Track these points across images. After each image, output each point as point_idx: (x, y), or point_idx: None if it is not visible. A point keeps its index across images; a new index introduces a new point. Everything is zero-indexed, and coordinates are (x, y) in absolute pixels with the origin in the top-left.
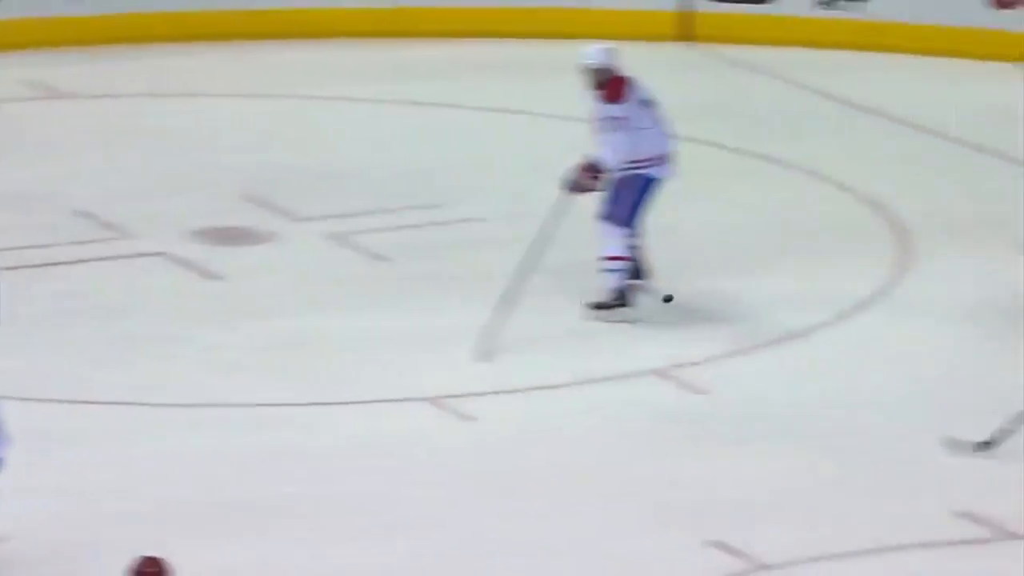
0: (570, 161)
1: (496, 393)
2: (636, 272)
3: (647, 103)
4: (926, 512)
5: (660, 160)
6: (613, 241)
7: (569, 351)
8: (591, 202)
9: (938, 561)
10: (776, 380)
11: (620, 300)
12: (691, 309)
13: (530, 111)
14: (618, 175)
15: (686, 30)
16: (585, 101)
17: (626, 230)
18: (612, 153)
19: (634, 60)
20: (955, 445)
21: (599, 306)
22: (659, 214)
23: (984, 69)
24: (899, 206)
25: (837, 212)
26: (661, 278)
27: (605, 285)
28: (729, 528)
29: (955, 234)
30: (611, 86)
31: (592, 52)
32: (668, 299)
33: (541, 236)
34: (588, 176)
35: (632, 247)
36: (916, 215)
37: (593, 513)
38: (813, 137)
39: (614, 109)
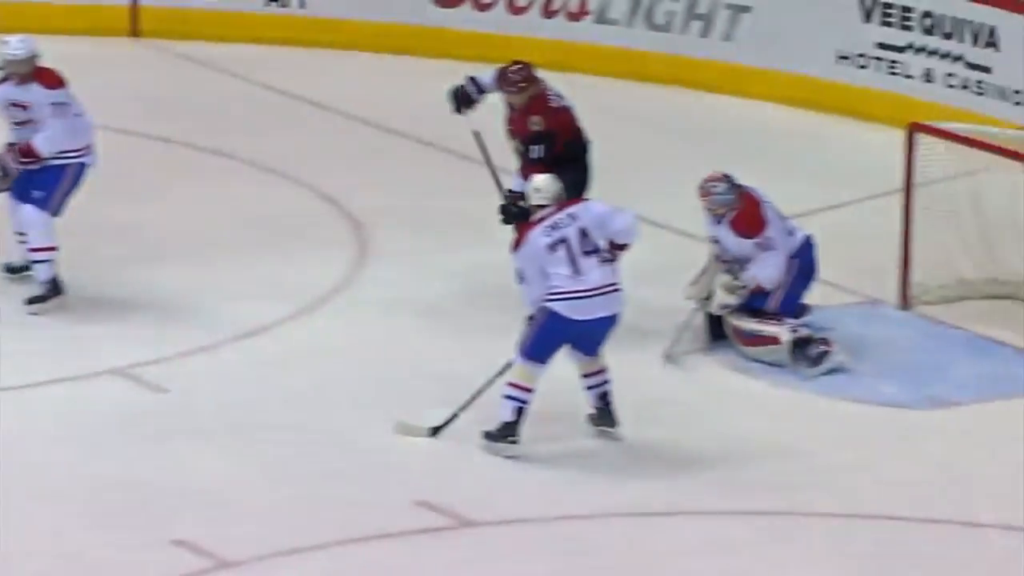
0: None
1: None
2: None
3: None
4: (387, 502)
5: (90, 149)
6: (41, 231)
7: (26, 351)
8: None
9: (400, 551)
10: (238, 376)
11: (54, 290)
12: (151, 306)
13: None
14: (50, 163)
15: (135, 25)
16: (19, 94)
17: (53, 219)
18: (49, 140)
19: (84, 55)
20: (409, 431)
21: (33, 300)
22: (114, 210)
23: (430, 66)
24: (354, 201)
25: (295, 208)
26: (117, 275)
27: (37, 277)
28: (191, 526)
29: (407, 227)
30: (42, 74)
31: (15, 43)
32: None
33: None
34: (20, 161)
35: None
36: (370, 210)
37: (51, 516)
38: (267, 133)
39: (56, 95)
